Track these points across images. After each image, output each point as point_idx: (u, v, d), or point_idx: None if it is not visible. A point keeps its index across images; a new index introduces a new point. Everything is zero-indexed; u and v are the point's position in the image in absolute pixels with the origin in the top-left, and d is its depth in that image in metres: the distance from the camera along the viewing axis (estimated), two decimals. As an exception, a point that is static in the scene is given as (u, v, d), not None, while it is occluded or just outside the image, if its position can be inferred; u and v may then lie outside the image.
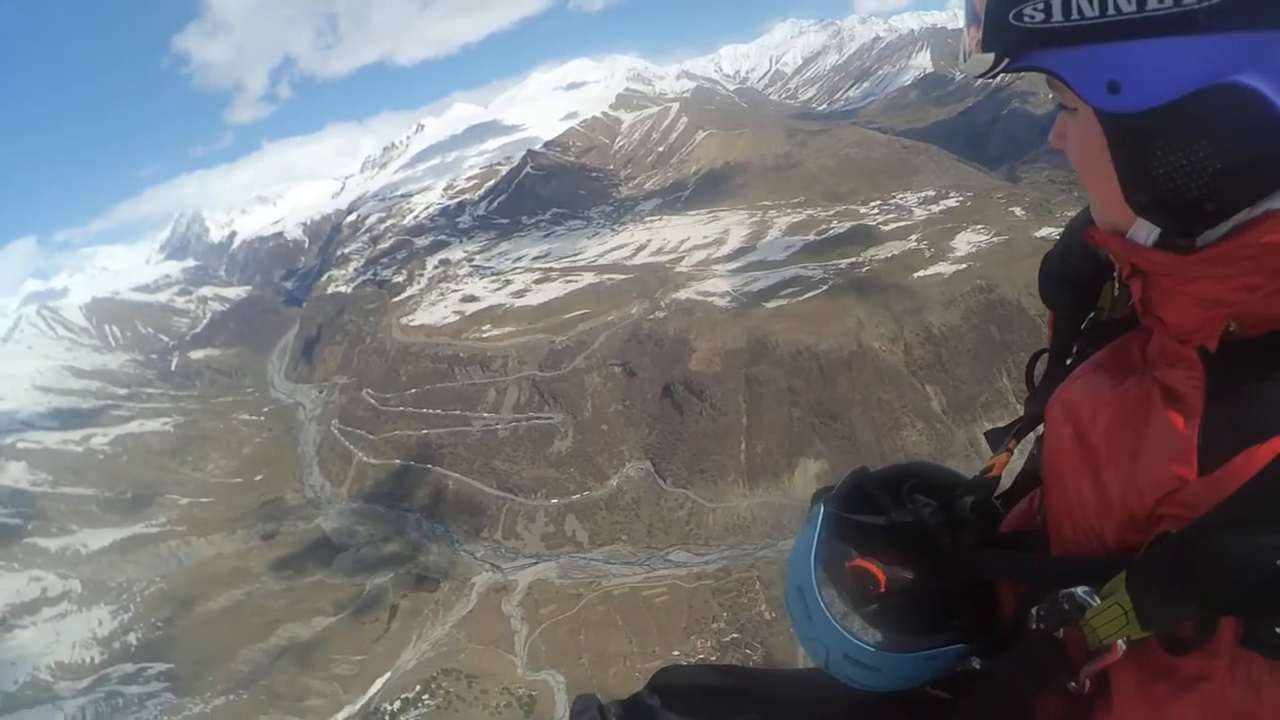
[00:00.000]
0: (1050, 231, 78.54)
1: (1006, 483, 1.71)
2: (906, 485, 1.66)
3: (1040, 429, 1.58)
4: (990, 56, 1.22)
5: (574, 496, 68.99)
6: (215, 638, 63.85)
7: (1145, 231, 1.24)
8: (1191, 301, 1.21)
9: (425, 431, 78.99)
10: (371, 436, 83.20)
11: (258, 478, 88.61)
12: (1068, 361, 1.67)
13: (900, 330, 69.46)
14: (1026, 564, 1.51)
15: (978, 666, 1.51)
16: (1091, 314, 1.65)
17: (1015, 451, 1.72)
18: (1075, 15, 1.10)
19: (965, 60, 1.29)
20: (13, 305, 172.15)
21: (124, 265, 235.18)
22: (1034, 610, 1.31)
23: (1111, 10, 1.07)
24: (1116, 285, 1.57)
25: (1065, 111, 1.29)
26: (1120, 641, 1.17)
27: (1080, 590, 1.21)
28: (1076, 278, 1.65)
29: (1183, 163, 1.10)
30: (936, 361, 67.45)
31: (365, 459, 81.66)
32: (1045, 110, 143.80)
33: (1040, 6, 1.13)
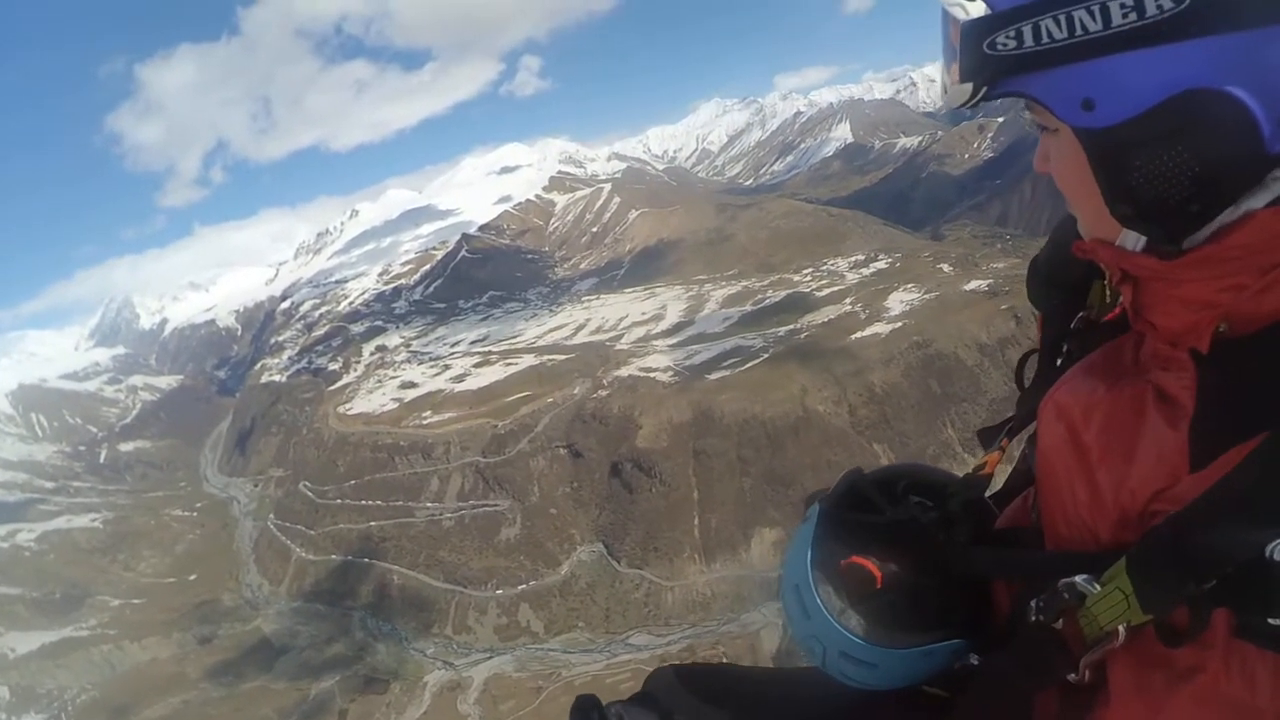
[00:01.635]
0: (978, 284, 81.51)
1: (998, 482, 1.73)
2: (900, 485, 1.69)
3: (1031, 428, 1.60)
4: (969, 87, 1.26)
5: (526, 585, 67.04)
6: (152, 751, 60.17)
7: (1133, 240, 1.27)
8: (1181, 304, 1.24)
9: (367, 524, 76.43)
10: (310, 531, 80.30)
11: (192, 577, 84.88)
12: (1058, 362, 1.68)
13: (843, 392, 70.19)
14: (1022, 559, 1.53)
15: (975, 663, 1.53)
16: (1080, 314, 1.67)
17: (1007, 448, 1.74)
18: (1045, 39, 1.14)
19: (945, 94, 1.33)
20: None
21: (52, 351, 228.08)
22: (1033, 602, 1.34)
23: (1079, 30, 1.11)
24: (1108, 291, 1.60)
25: (1046, 133, 1.32)
26: (1121, 628, 1.20)
27: (1080, 579, 1.25)
28: (1064, 279, 1.68)
29: (1161, 169, 1.13)
30: (882, 419, 68.25)
31: (305, 555, 78.70)
32: (962, 170, 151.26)
33: (1012, 34, 1.17)
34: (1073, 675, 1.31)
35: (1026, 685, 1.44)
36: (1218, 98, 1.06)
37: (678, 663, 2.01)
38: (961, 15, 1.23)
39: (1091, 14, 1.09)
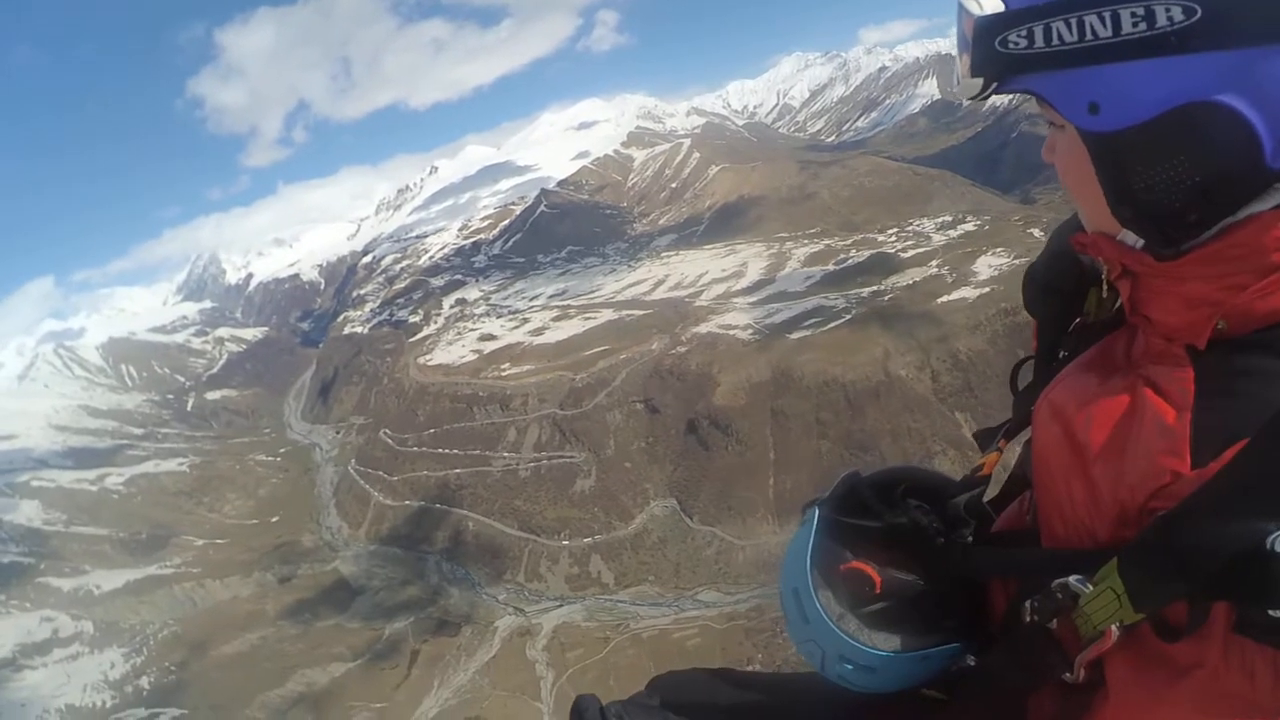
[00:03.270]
0: (1071, 252, 77.38)
1: (994, 490, 1.75)
2: (899, 489, 1.70)
3: (1028, 432, 1.61)
4: (979, 81, 1.30)
5: (598, 537, 67.14)
6: (229, 683, 62.08)
7: (1133, 237, 1.32)
8: (1180, 301, 1.27)
9: (444, 472, 77.63)
10: (390, 477, 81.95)
11: (274, 519, 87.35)
12: (1053, 366, 1.68)
13: (927, 358, 67.97)
14: (1019, 559, 1.54)
15: (972, 663, 1.56)
16: (1076, 320, 1.70)
17: (1005, 450, 1.76)
18: (1056, 41, 1.17)
19: (957, 85, 1.38)
20: (30, 344, 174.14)
21: (141, 306, 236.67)
22: (1028, 603, 1.35)
23: (1089, 35, 1.14)
24: (1105, 287, 1.60)
25: (1053, 128, 1.36)
26: (1114, 627, 1.20)
27: (1073, 579, 1.25)
28: (1061, 285, 1.70)
29: (1162, 177, 1.17)
30: (965, 388, 65.75)
31: (383, 500, 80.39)
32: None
33: (1023, 34, 1.20)
34: (1068, 675, 1.32)
35: (1021, 685, 1.46)
36: (1222, 112, 1.09)
37: (678, 669, 2.03)
38: (976, 10, 1.26)
39: (1103, 20, 1.12)
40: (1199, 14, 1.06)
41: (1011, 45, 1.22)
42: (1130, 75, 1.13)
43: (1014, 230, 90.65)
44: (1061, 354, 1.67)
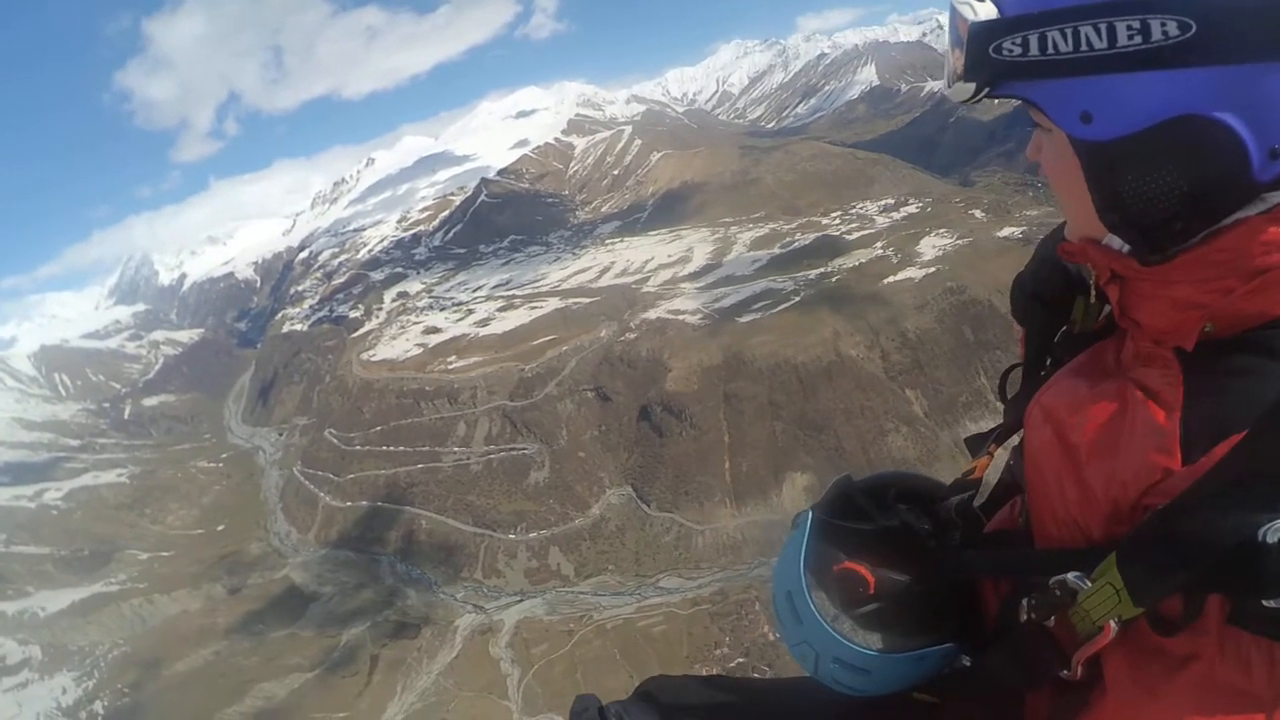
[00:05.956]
0: (1011, 231, 79.37)
1: (985, 494, 1.77)
2: (890, 492, 1.71)
3: (1017, 437, 1.65)
4: (971, 86, 1.32)
5: (555, 528, 66.42)
6: (186, 702, 59.90)
7: (1119, 241, 1.34)
8: (1168, 305, 1.29)
9: (394, 470, 75.93)
10: (337, 478, 79.88)
11: (220, 528, 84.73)
12: (1041, 374, 1.71)
13: (876, 337, 68.75)
14: (1013, 559, 1.55)
15: (967, 664, 1.55)
16: (1063, 329, 1.71)
17: (995, 455, 1.77)
18: (1051, 50, 1.19)
19: (949, 86, 1.38)
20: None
21: (73, 312, 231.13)
22: (1025, 601, 1.37)
23: (1084, 46, 1.16)
24: (1093, 293, 1.62)
25: (1041, 130, 1.38)
26: (1112, 622, 1.20)
27: (1071, 575, 1.25)
28: (1048, 295, 1.71)
29: (1151, 187, 1.20)
30: (915, 365, 66.85)
31: (332, 502, 78.36)
32: (992, 116, 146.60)
33: (1018, 41, 1.22)
34: (1065, 672, 1.32)
35: (1020, 684, 1.45)
36: (1212, 125, 1.12)
37: (665, 674, 2.04)
38: (970, 15, 1.28)
39: (1098, 32, 1.14)
40: (1194, 30, 1.09)
41: (1006, 52, 1.24)
42: (1124, 87, 1.15)
43: (955, 212, 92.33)
44: (1048, 362, 1.69)
